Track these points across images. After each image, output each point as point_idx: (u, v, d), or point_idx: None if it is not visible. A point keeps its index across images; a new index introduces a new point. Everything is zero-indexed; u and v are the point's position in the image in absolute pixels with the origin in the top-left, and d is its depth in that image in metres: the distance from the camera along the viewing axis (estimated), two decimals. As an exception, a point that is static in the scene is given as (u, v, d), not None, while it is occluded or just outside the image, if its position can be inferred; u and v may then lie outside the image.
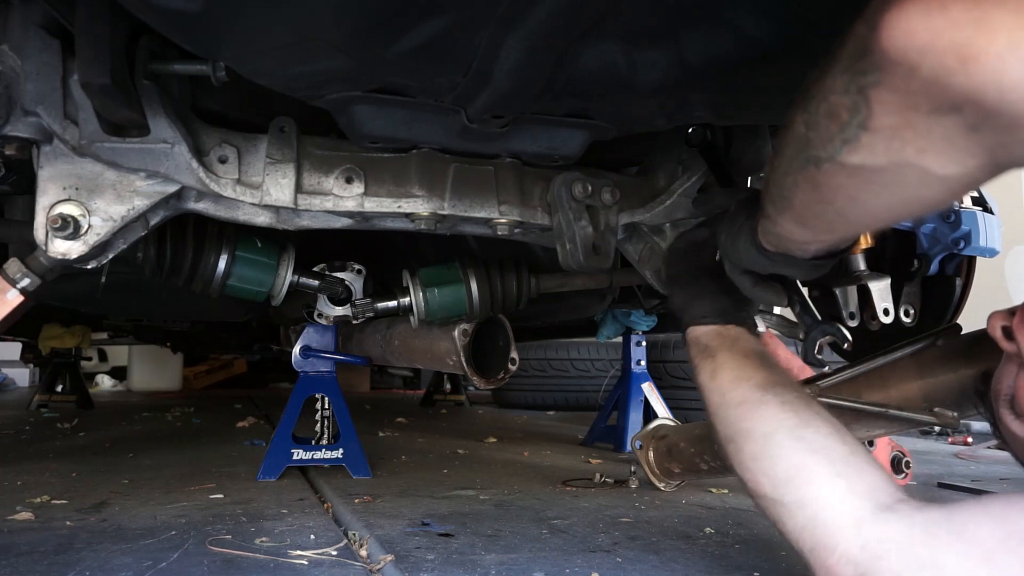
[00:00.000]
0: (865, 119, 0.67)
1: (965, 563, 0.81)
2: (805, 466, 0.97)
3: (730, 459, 1.08)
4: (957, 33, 0.56)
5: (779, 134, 0.85)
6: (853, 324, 1.80)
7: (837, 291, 1.80)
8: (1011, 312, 1.00)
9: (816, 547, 0.93)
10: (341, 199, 1.38)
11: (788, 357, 1.99)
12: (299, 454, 2.11)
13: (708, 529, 1.58)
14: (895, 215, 0.78)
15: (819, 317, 1.03)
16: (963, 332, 1.37)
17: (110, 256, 1.34)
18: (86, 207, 1.26)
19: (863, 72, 0.65)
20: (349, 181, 1.39)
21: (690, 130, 1.42)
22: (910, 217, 0.78)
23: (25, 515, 1.58)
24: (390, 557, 1.29)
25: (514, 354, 2.03)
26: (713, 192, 1.48)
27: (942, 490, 2.27)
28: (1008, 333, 0.99)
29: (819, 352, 1.01)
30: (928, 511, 0.88)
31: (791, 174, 0.81)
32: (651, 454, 1.99)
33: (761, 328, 1.94)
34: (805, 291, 1.10)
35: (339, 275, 1.96)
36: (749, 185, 1.61)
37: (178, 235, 1.66)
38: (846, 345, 1.01)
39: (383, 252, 2.14)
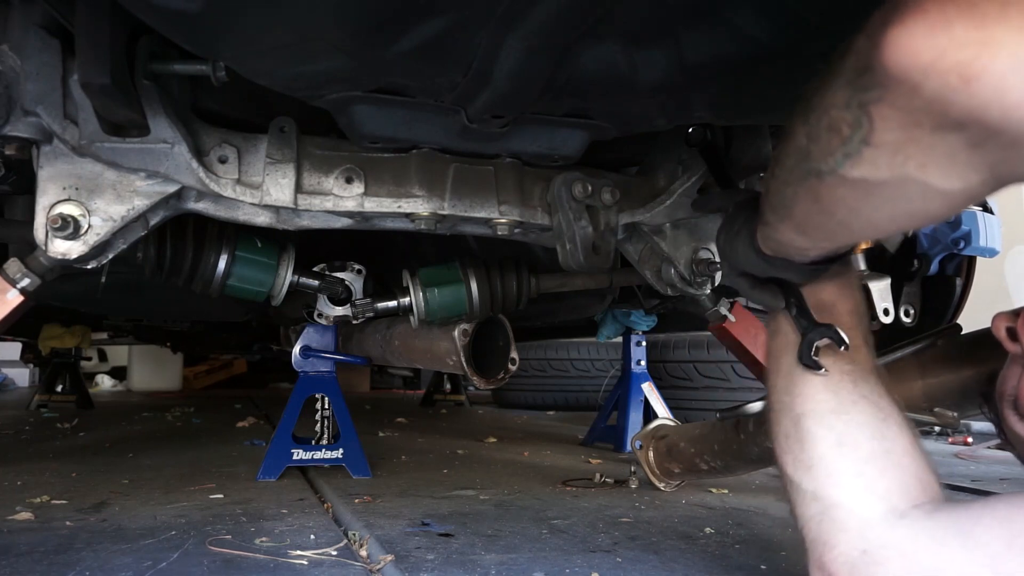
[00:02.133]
0: (867, 134, 0.67)
1: (969, 570, 0.81)
2: (827, 459, 0.97)
3: (770, 428, 1.07)
4: (961, 52, 0.56)
5: (779, 143, 0.85)
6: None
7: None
8: (1015, 313, 1.00)
9: (817, 540, 0.93)
10: (341, 199, 1.38)
11: (758, 333, 1.98)
12: (299, 454, 2.11)
13: (708, 529, 1.58)
14: (896, 226, 0.79)
15: (816, 320, 1.03)
16: (963, 332, 1.37)
17: (110, 256, 1.33)
18: (86, 207, 1.26)
19: (865, 88, 0.65)
20: (349, 181, 1.39)
21: (690, 130, 1.42)
22: (911, 228, 0.79)
23: (25, 515, 1.58)
24: (390, 557, 1.29)
25: (514, 354, 2.03)
26: (712, 194, 1.48)
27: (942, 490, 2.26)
28: (1012, 334, 0.99)
29: (815, 355, 1.00)
30: (937, 516, 0.88)
31: (791, 184, 0.81)
32: (651, 454, 1.99)
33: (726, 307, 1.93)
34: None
35: (339, 275, 1.96)
36: (749, 186, 1.61)
37: (178, 235, 1.66)
38: (843, 348, 1.01)
39: (383, 252, 2.14)
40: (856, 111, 0.67)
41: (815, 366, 1.00)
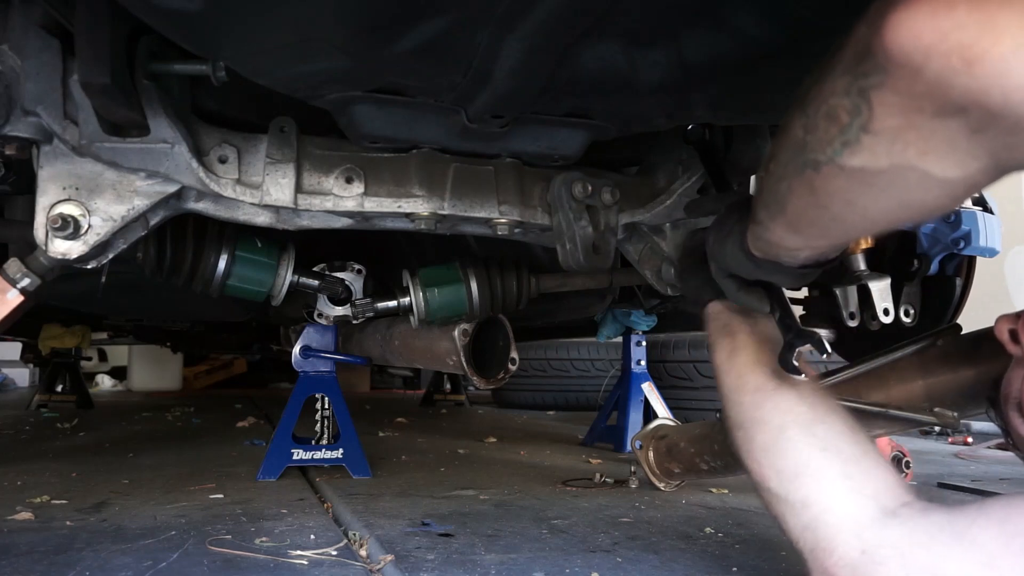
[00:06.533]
0: (866, 121, 0.66)
1: (966, 568, 0.81)
2: (814, 464, 0.97)
3: (739, 446, 1.07)
4: (962, 34, 0.56)
5: (774, 139, 0.84)
6: (853, 324, 1.80)
7: (837, 291, 1.80)
8: (1018, 315, 1.01)
9: (816, 548, 0.93)
10: (341, 199, 1.38)
11: None
12: (299, 454, 2.11)
13: (708, 529, 1.58)
14: (892, 220, 0.77)
15: (800, 325, 1.02)
16: (963, 332, 1.37)
17: (110, 256, 1.34)
18: (86, 207, 1.26)
19: (865, 74, 0.65)
20: (349, 181, 1.39)
21: (689, 128, 1.43)
22: (908, 222, 0.77)
23: (25, 515, 1.58)
24: (390, 557, 1.29)
25: (514, 354, 2.03)
26: (705, 197, 1.48)
27: (942, 490, 2.27)
28: (1015, 336, 0.99)
29: (796, 360, 0.99)
30: (931, 515, 0.88)
31: (786, 179, 0.80)
32: (651, 454, 1.99)
33: None
34: (806, 293, 1.09)
35: (339, 275, 1.96)
36: (750, 186, 1.60)
37: (178, 235, 1.66)
38: (825, 356, 1.00)
39: (383, 252, 2.14)
40: (856, 98, 0.66)
41: (796, 372, 0.99)
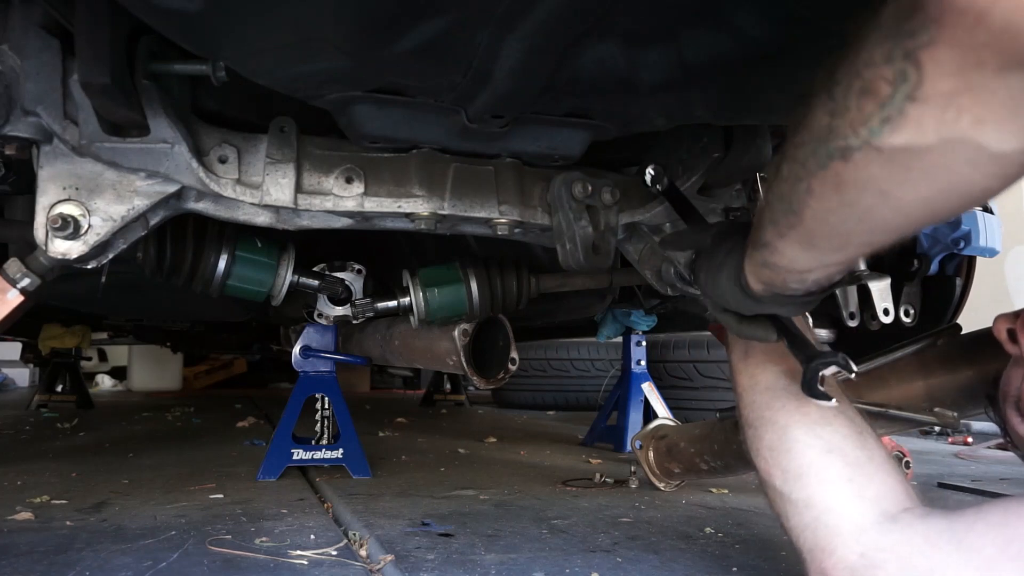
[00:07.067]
0: (914, 88, 0.58)
1: (963, 573, 0.81)
2: (818, 466, 0.97)
3: (749, 444, 1.08)
4: None
5: (784, 142, 0.77)
6: (853, 324, 1.80)
7: (837, 291, 1.80)
8: (1016, 315, 1.01)
9: (815, 548, 0.93)
10: (341, 199, 1.38)
11: None
12: (299, 454, 2.12)
13: (708, 529, 1.58)
14: (927, 213, 0.68)
15: (816, 347, 0.95)
16: (963, 332, 1.37)
17: (110, 256, 1.33)
18: (86, 207, 1.26)
19: (912, 33, 0.57)
20: (349, 181, 1.39)
21: (648, 174, 1.39)
22: (941, 215, 0.68)
23: (25, 515, 1.58)
24: (390, 557, 1.29)
25: (514, 354, 2.03)
26: (685, 231, 1.39)
27: (942, 490, 2.27)
28: (1013, 336, 1.00)
29: (821, 384, 0.91)
30: (930, 520, 0.88)
31: (805, 179, 0.71)
32: (651, 454, 1.99)
33: None
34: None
35: (339, 275, 1.96)
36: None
37: (178, 235, 1.66)
38: (853, 376, 0.95)
39: (383, 252, 2.14)
40: (900, 63, 0.58)
41: (823, 396, 0.92)
